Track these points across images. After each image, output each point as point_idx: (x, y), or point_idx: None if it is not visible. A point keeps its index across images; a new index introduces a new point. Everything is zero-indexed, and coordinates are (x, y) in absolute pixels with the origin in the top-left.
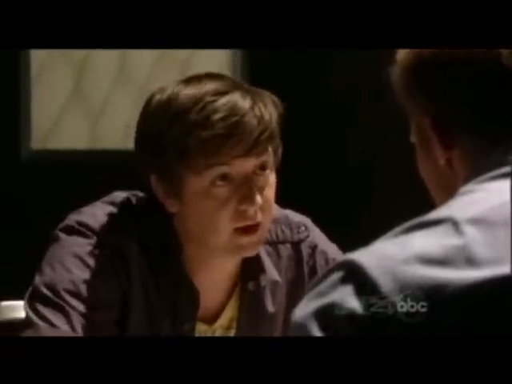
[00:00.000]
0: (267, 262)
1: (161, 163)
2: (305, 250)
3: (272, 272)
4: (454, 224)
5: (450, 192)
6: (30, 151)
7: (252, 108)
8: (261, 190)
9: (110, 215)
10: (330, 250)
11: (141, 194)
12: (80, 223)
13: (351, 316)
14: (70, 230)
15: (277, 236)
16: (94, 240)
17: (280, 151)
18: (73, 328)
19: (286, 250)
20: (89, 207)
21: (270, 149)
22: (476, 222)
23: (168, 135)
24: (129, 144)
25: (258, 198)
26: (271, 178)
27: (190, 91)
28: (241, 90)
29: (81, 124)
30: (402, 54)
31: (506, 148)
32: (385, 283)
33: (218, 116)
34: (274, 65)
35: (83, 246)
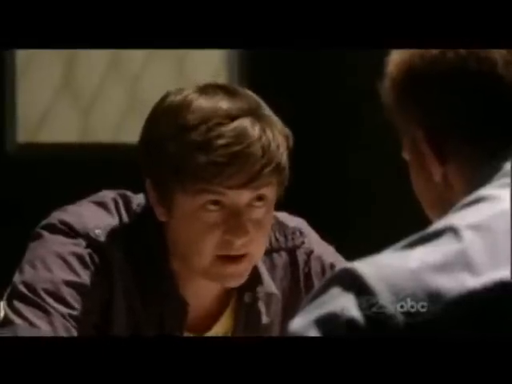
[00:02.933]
0: (264, 272)
1: (156, 171)
2: (300, 256)
3: (269, 283)
4: (454, 231)
5: (446, 209)
6: (16, 144)
7: (260, 138)
8: (255, 221)
9: (96, 216)
10: (326, 254)
11: (129, 194)
12: (63, 222)
13: (352, 324)
14: (53, 229)
15: (271, 245)
16: (77, 241)
17: (286, 182)
18: (53, 328)
19: (281, 259)
20: (74, 206)
21: (273, 181)
22: (475, 227)
23: (168, 147)
24: (121, 137)
25: (248, 231)
26: (270, 208)
27: (202, 103)
28: (253, 114)
29: (70, 116)
30: (392, 67)
31: (502, 158)
32: (383, 291)
33: (221, 142)
34: (271, 61)
35: (66, 245)
